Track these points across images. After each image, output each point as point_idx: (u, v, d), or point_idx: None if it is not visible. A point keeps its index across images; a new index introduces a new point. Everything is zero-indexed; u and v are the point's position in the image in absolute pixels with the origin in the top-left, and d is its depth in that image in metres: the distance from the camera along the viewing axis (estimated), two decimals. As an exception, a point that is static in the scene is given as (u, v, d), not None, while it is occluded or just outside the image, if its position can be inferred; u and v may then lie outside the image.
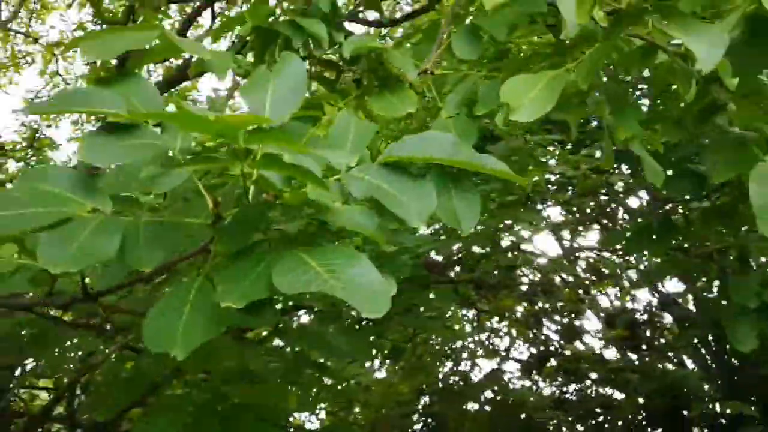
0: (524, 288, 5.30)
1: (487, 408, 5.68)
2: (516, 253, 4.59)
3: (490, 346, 5.88)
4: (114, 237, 0.86)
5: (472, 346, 5.82)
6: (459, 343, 5.72)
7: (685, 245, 3.16)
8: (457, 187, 1.21)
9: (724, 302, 2.78)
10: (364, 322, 3.49)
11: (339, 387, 4.87)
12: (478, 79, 1.37)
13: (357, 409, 5.60)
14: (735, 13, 1.17)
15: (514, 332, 5.83)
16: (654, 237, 2.76)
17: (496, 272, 4.54)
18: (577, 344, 5.94)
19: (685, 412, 4.89)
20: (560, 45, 1.27)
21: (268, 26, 1.39)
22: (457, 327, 5.62)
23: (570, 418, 5.65)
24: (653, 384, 5.02)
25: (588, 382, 5.77)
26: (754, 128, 1.38)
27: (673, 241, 2.96)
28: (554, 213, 5.52)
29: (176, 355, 0.79)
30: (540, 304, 5.65)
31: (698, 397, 4.87)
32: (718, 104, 1.32)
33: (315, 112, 1.24)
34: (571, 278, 5.55)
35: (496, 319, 5.61)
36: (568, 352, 5.82)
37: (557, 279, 5.53)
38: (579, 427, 5.67)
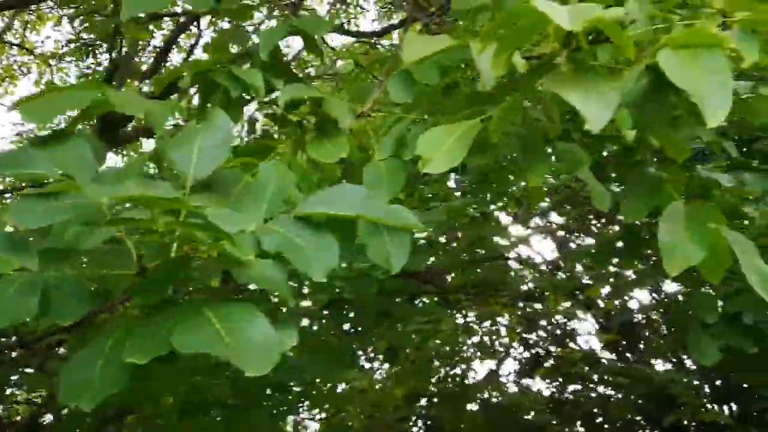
0: (515, 293, 5.35)
1: (484, 410, 5.75)
2: (504, 260, 4.65)
3: (486, 349, 5.94)
4: (36, 294, 0.93)
5: (465, 349, 5.88)
6: (454, 347, 5.77)
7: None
8: (389, 228, 1.27)
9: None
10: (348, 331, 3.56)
11: (335, 391, 4.96)
12: (410, 122, 1.45)
13: (353, 412, 5.66)
14: (639, 65, 1.22)
15: (506, 337, 5.89)
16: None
17: (484, 279, 4.60)
18: (572, 346, 6.00)
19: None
20: (479, 93, 1.33)
21: (208, 77, 1.48)
22: (446, 329, 5.65)
23: (568, 418, 5.70)
24: (642, 386, 5.07)
25: (586, 383, 5.82)
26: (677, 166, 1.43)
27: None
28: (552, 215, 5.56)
29: (83, 407, 0.86)
30: (533, 307, 5.71)
31: (690, 399, 4.91)
32: (633, 147, 1.39)
33: (251, 160, 1.31)
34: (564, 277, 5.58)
35: (488, 323, 5.67)
36: (561, 354, 5.87)
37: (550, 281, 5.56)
38: (575, 428, 5.73)
